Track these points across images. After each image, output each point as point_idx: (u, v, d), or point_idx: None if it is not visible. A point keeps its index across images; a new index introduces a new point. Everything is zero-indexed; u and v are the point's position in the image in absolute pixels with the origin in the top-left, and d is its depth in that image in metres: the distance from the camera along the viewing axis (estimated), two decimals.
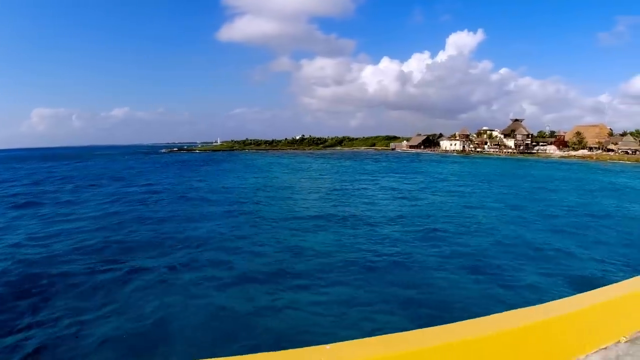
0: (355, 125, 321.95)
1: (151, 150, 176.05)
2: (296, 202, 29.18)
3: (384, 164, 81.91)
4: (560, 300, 2.61)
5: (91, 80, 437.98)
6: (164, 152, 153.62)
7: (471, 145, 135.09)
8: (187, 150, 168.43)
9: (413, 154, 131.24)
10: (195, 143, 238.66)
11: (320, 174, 54.92)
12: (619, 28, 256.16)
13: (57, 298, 10.59)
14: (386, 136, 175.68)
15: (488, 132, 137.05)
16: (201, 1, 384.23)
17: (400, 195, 32.53)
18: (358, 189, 36.64)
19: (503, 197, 32.46)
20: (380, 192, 34.73)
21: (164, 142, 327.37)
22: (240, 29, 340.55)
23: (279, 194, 33.67)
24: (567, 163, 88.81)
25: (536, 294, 10.88)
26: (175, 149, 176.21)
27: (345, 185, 39.65)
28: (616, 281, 3.11)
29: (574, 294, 2.77)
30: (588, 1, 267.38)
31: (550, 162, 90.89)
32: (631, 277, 3.08)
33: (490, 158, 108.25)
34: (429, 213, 23.93)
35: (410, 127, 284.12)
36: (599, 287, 2.87)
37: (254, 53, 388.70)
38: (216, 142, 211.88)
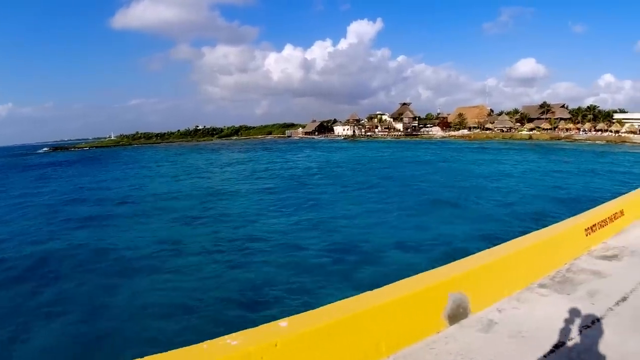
0: (260, 113, 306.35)
1: (24, 152, 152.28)
2: None
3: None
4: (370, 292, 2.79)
5: None
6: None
7: (362, 130, 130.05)
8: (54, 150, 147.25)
9: (299, 140, 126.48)
10: (87, 139, 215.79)
11: None
12: (502, 18, 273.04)
13: None
14: (283, 124, 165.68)
15: (379, 116, 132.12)
16: None
17: None
18: None
19: None
20: None
21: (53, 140, 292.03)
22: (137, 15, 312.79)
23: None
24: (436, 143, 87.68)
25: None
26: (43, 150, 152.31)
27: None
28: None
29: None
30: None
31: (422, 143, 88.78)
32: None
33: (375, 141, 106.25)
34: None
35: (315, 113, 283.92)
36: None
37: (152, 41, 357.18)
38: (109, 137, 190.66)
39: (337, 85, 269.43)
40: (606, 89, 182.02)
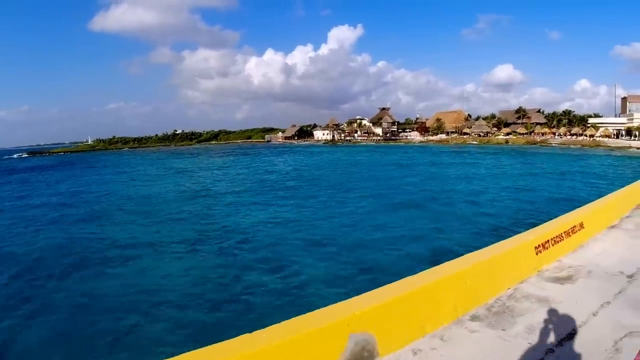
0: (241, 117, 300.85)
1: None
2: None
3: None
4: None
5: None
6: None
7: (342, 135, 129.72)
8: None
9: (278, 145, 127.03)
10: (64, 143, 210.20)
11: None
12: (479, 25, 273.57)
13: None
14: (263, 128, 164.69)
15: (359, 121, 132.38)
16: None
17: None
18: None
19: None
20: None
21: (29, 144, 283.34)
22: (116, 18, 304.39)
23: None
24: (413, 147, 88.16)
25: None
26: (17, 155, 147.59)
27: None
28: None
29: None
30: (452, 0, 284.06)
31: (400, 147, 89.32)
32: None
33: (354, 146, 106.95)
34: None
35: (295, 118, 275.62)
36: None
37: (132, 44, 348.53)
38: (86, 141, 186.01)
39: (317, 90, 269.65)
40: (582, 94, 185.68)
